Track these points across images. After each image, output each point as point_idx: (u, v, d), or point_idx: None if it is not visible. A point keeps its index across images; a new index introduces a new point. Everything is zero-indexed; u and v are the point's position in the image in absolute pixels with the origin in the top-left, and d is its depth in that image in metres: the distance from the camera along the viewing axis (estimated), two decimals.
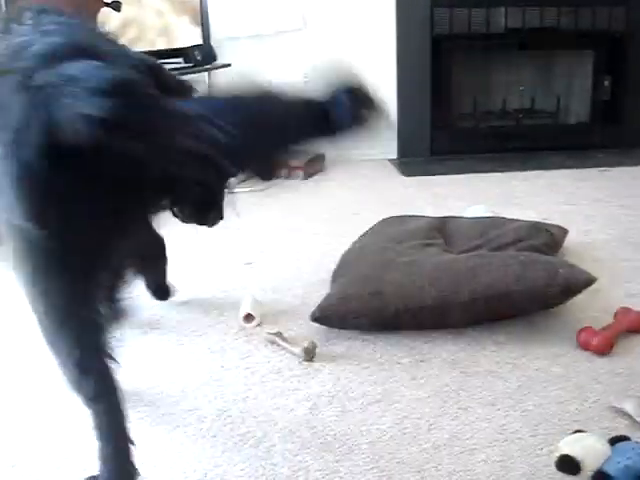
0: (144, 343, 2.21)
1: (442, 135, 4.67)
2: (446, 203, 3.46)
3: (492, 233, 2.56)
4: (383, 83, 4.80)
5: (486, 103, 4.86)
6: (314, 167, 4.20)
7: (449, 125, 4.74)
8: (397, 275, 2.22)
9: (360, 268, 2.33)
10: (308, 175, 4.11)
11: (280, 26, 4.52)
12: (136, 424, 1.76)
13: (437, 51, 4.55)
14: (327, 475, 1.56)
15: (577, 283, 2.13)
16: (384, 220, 2.82)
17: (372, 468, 1.57)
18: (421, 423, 1.73)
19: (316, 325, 2.19)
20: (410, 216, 2.84)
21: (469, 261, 2.23)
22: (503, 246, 2.44)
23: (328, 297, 2.23)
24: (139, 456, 1.63)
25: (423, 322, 2.17)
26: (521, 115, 4.83)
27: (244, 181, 2.60)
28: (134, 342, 2.21)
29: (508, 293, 2.12)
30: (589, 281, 2.13)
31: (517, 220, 2.70)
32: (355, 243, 2.60)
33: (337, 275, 2.41)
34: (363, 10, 4.52)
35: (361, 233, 2.69)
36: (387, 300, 2.15)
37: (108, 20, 3.54)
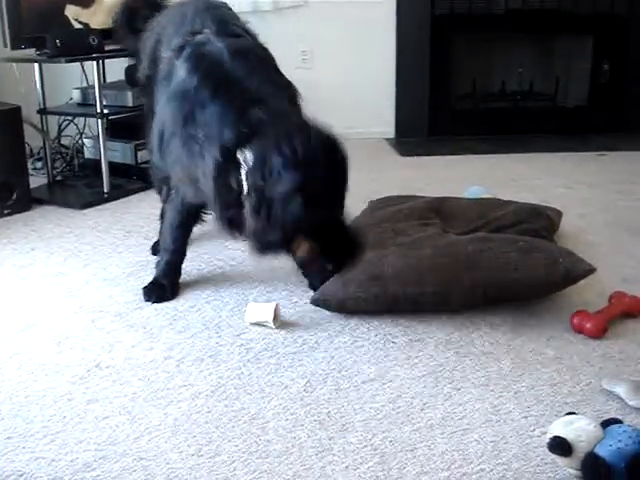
0: (139, 317, 2.21)
1: (440, 116, 4.67)
2: (443, 184, 3.45)
3: (491, 215, 2.55)
4: (382, 62, 4.80)
5: (485, 85, 4.85)
6: None
7: (447, 106, 4.73)
8: (396, 259, 2.21)
9: None
10: None
11: (280, 2, 4.49)
12: (130, 399, 1.78)
13: (437, 31, 4.53)
14: (320, 452, 1.56)
15: (576, 273, 2.13)
16: (380, 200, 2.81)
17: (365, 446, 1.58)
18: (415, 402, 1.74)
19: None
20: (406, 196, 2.82)
21: (469, 246, 2.22)
22: (502, 228, 2.44)
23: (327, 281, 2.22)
24: (133, 432, 1.64)
25: (422, 307, 2.17)
26: (519, 97, 4.83)
27: None
28: (129, 316, 2.23)
29: (508, 281, 2.12)
30: (588, 271, 2.13)
31: (515, 202, 2.70)
32: (352, 223, 2.58)
33: None
34: None
35: (357, 213, 2.69)
36: (386, 286, 2.15)
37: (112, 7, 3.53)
